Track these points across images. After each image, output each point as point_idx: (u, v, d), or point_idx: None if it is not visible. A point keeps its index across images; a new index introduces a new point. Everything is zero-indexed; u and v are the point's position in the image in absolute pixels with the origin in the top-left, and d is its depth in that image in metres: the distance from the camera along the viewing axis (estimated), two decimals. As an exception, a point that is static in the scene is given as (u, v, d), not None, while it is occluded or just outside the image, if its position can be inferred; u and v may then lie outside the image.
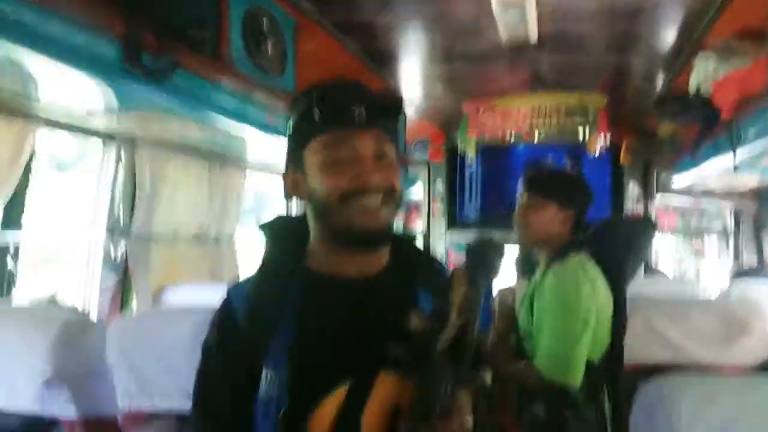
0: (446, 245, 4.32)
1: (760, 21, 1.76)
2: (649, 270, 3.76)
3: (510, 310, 2.04)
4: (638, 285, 2.53)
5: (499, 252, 1.97)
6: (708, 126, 2.07)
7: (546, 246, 1.87)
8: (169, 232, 2.34)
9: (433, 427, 0.83)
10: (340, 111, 0.92)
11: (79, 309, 1.44)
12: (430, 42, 2.31)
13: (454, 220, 4.32)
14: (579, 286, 1.71)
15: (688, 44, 2.15)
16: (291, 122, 0.97)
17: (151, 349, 1.42)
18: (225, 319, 0.98)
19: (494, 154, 4.11)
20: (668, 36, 2.15)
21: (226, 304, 1.00)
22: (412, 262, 1.08)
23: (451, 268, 1.01)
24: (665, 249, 4.25)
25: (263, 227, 1.09)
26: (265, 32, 1.81)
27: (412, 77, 2.82)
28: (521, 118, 3.20)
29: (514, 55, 2.41)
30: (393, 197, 0.95)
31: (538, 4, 1.87)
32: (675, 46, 2.22)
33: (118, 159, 2.09)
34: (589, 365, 1.69)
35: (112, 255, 2.14)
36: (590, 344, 1.70)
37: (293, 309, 0.96)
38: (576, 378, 1.67)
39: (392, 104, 0.98)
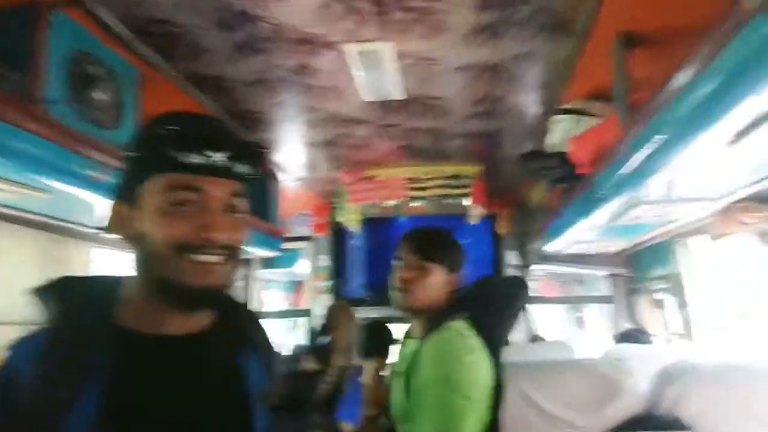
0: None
1: (607, 83, 1.83)
2: (532, 338, 3.77)
3: (382, 393, 1.86)
4: (518, 352, 2.48)
5: (389, 335, 1.83)
6: (568, 181, 2.10)
7: (424, 314, 1.72)
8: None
9: None
10: (196, 151, 0.80)
11: None
12: (295, 103, 2.22)
13: (340, 298, 4.14)
14: (460, 357, 1.54)
15: (549, 108, 2.21)
16: (134, 145, 0.84)
17: None
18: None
19: (377, 226, 4.09)
20: (529, 100, 2.20)
21: (4, 365, 0.79)
22: (237, 318, 0.98)
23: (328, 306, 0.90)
24: (548, 320, 4.30)
25: (46, 287, 0.89)
26: (95, 80, 1.63)
27: (284, 142, 2.71)
28: (398, 187, 3.16)
29: (381, 118, 2.38)
30: (235, 256, 0.84)
31: (399, 60, 1.85)
32: (537, 111, 2.27)
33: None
34: None
35: None
36: (474, 422, 1.54)
37: (101, 373, 0.78)
38: None
39: (253, 153, 0.87)
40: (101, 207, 1.93)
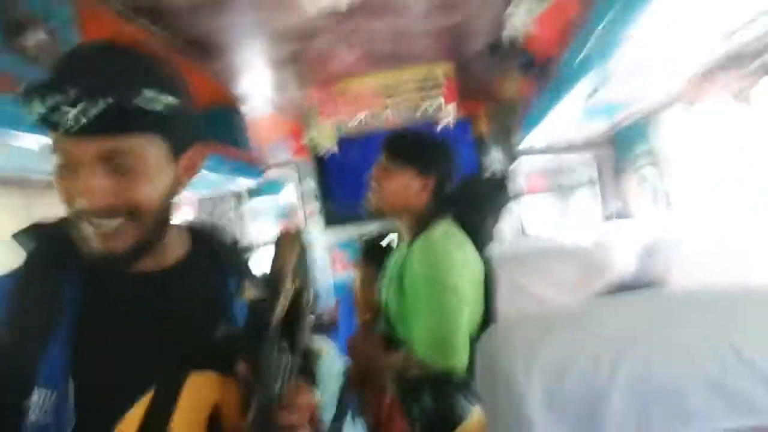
0: (329, 245, 4.13)
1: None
2: (520, 234, 3.81)
3: (373, 295, 1.90)
4: (506, 247, 2.51)
5: (375, 243, 1.83)
6: (529, 65, 2.04)
7: (406, 217, 1.72)
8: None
9: (273, 419, 0.71)
10: (47, 107, 0.68)
11: None
12: (244, 21, 2.12)
13: (331, 218, 4.15)
14: (449, 255, 1.56)
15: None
16: None
17: None
18: None
19: (356, 142, 4.03)
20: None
21: None
22: (213, 248, 0.95)
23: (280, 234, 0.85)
24: (538, 212, 4.33)
25: (22, 232, 0.86)
26: (26, 23, 1.54)
27: (244, 66, 2.62)
28: (369, 97, 3.09)
29: (337, 26, 2.28)
30: (138, 215, 0.75)
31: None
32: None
33: None
34: (470, 341, 1.55)
35: None
36: (469, 318, 1.57)
37: (72, 309, 0.77)
38: (461, 357, 1.51)
39: (130, 84, 0.71)
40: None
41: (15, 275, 0.81)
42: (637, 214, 3.14)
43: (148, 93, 0.71)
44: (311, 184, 4.14)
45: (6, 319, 0.75)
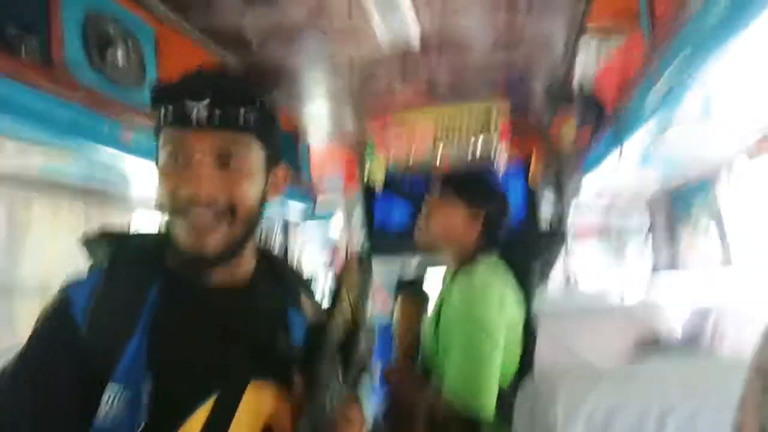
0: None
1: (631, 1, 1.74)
2: (567, 284, 3.74)
3: (413, 331, 1.89)
4: (551, 297, 2.47)
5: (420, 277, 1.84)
6: (595, 111, 2.04)
7: (452, 251, 1.73)
8: (39, 283, 2.08)
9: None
10: (174, 104, 0.78)
11: None
12: (313, 50, 2.20)
13: (376, 250, 4.17)
14: (488, 294, 1.54)
15: (574, 33, 2.12)
16: None
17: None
18: (60, 317, 0.79)
19: (406, 175, 4.08)
20: (552, 25, 2.12)
21: (62, 299, 0.81)
22: (275, 268, 0.99)
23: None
24: (586, 258, 4.24)
25: (94, 237, 0.91)
26: (112, 40, 1.64)
27: (308, 95, 2.70)
28: (426, 132, 3.12)
29: (402, 61, 2.34)
30: (235, 214, 0.81)
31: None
32: (561, 37, 2.19)
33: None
34: (500, 390, 1.51)
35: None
36: (501, 363, 1.54)
37: (151, 313, 0.81)
38: (489, 400, 1.47)
39: (241, 96, 0.82)
40: (134, 167, 1.97)
41: (99, 276, 0.84)
42: (691, 270, 3.03)
43: (257, 101, 0.83)
44: (359, 215, 4.18)
45: (90, 316, 0.79)
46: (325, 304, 0.88)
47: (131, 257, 0.86)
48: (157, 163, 0.84)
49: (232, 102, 0.80)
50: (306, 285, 1.05)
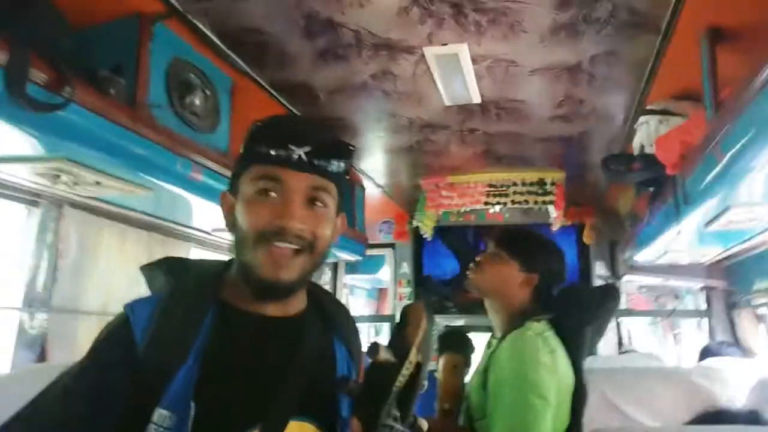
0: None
1: (694, 81, 1.76)
2: (623, 350, 3.62)
3: (457, 387, 1.87)
4: (602, 362, 2.40)
5: (469, 342, 1.84)
6: (655, 184, 2.02)
7: (502, 310, 1.73)
8: (100, 306, 2.18)
9: None
10: (279, 144, 0.86)
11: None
12: (376, 108, 2.29)
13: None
14: (538, 357, 1.54)
15: (633, 109, 2.14)
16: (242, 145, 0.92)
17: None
18: (122, 336, 0.84)
19: (457, 232, 4.11)
20: (612, 101, 2.15)
21: (125, 319, 0.86)
22: (325, 309, 1.03)
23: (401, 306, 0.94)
24: (640, 334, 4.11)
25: (153, 265, 0.98)
26: (192, 86, 1.76)
27: (367, 149, 2.79)
28: (478, 194, 3.15)
29: (461, 123, 2.40)
30: (313, 249, 0.88)
31: (474, 63, 1.86)
32: (621, 112, 2.21)
33: (43, 223, 1.97)
34: None
35: (29, 330, 1.96)
36: (552, 425, 1.52)
37: (203, 342, 0.85)
38: None
39: (335, 150, 0.92)
40: (199, 207, 2.07)
41: (160, 299, 0.89)
42: (749, 353, 2.89)
43: (348, 155, 0.93)
44: (406, 268, 4.21)
45: (148, 337, 0.83)
46: (384, 345, 0.90)
47: (189, 286, 0.91)
48: (234, 194, 0.92)
49: (328, 152, 0.89)
50: (352, 322, 1.08)
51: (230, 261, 0.98)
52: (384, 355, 0.84)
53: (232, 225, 0.92)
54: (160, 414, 0.77)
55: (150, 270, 0.99)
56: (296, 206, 0.87)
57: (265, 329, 0.91)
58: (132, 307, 0.88)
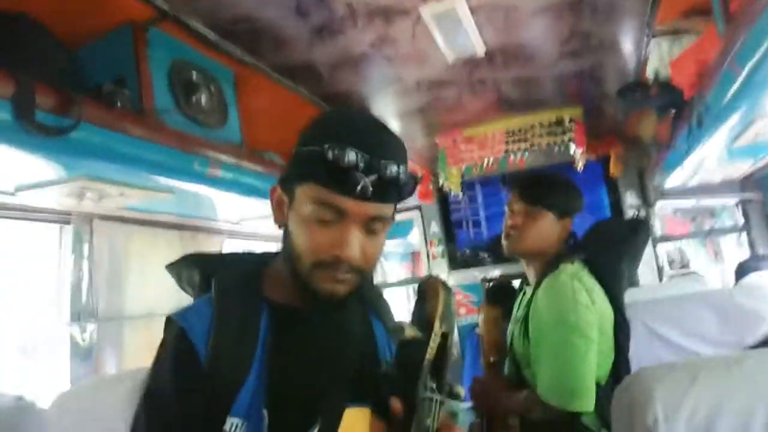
0: (453, 287, 4.14)
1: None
2: (659, 280, 3.59)
3: (499, 339, 1.89)
4: (643, 293, 2.38)
5: (505, 286, 1.85)
6: (674, 107, 1.97)
7: (537, 259, 1.73)
8: (144, 312, 2.24)
9: None
10: (344, 174, 0.80)
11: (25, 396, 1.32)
12: (381, 76, 2.26)
13: (455, 260, 4.18)
14: (575, 298, 1.55)
15: (643, 34, 2.07)
16: (302, 139, 0.87)
17: (91, 418, 1.29)
18: (185, 355, 0.83)
19: (483, 185, 4.09)
20: (620, 29, 2.08)
21: (181, 334, 0.84)
22: (365, 289, 1.01)
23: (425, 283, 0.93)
24: (677, 256, 4.06)
25: (178, 262, 0.99)
26: (196, 85, 1.77)
27: (377, 115, 2.77)
28: (497, 143, 3.11)
29: (469, 76, 2.36)
30: (363, 273, 0.88)
31: (473, 14, 1.82)
32: (630, 39, 2.14)
33: (77, 239, 2.03)
34: (597, 386, 1.51)
35: (80, 342, 2.04)
36: (596, 361, 1.54)
37: (264, 346, 0.85)
38: (587, 402, 1.47)
39: (406, 184, 0.86)
40: (222, 200, 2.10)
41: (210, 306, 0.88)
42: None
43: (405, 169, 0.85)
44: (435, 227, 4.21)
45: (210, 349, 0.83)
46: (410, 321, 0.91)
47: (235, 287, 0.90)
48: (288, 196, 0.88)
49: (395, 182, 0.83)
50: (384, 299, 1.09)
51: (268, 256, 0.98)
52: (410, 332, 0.85)
53: (282, 224, 0.91)
54: (232, 422, 0.79)
55: (176, 268, 0.99)
56: (355, 238, 0.84)
57: (316, 322, 0.91)
58: (185, 317, 0.87)
